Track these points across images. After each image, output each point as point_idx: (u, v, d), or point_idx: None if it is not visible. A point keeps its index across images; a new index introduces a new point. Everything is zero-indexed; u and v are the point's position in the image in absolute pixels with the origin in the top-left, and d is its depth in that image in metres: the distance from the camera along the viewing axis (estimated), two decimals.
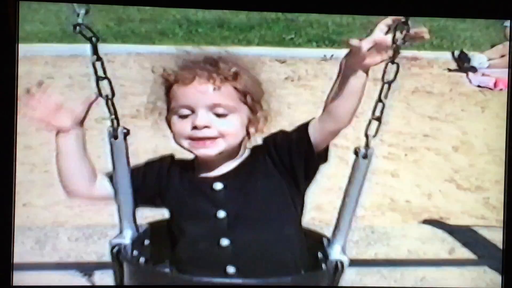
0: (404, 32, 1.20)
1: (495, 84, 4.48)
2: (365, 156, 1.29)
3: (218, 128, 1.28)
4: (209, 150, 1.30)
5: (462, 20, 5.41)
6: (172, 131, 1.33)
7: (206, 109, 1.28)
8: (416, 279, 2.30)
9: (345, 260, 1.33)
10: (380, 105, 1.27)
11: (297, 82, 4.51)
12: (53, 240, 2.46)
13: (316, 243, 1.38)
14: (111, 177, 1.38)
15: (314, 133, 1.29)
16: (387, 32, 1.22)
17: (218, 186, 1.32)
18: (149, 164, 1.40)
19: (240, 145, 1.35)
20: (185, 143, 1.31)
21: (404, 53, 1.26)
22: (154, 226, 1.43)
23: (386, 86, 1.27)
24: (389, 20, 1.22)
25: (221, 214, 1.31)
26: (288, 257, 1.34)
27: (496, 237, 2.35)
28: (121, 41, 5.07)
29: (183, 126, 1.30)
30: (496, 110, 3.95)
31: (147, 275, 1.33)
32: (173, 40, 5.02)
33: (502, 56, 4.63)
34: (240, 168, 1.34)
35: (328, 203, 2.28)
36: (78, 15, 1.27)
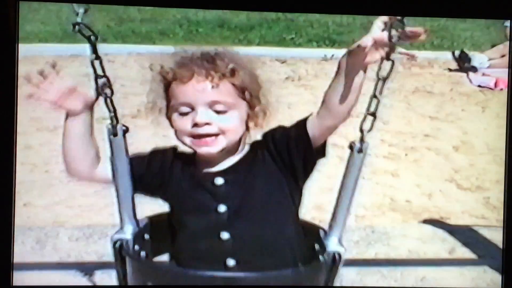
0: (399, 30, 1.21)
1: (496, 84, 4.48)
2: (360, 151, 1.31)
3: (218, 125, 1.30)
4: (211, 148, 1.31)
5: (462, 20, 5.41)
6: (173, 128, 1.34)
7: (205, 106, 1.29)
8: (417, 278, 2.30)
9: (342, 251, 1.34)
10: (375, 101, 1.29)
11: (297, 82, 4.51)
12: (53, 240, 2.46)
13: (312, 235, 1.40)
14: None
15: (312, 129, 1.31)
16: (383, 30, 1.23)
17: (219, 181, 1.34)
18: (154, 153, 1.41)
19: (240, 140, 1.36)
20: (187, 140, 1.32)
21: (402, 50, 1.25)
22: (154, 220, 1.45)
23: (380, 82, 1.28)
24: (385, 17, 1.23)
25: (222, 208, 1.33)
26: (286, 249, 1.36)
27: (496, 237, 2.35)
28: (122, 41, 5.08)
29: (184, 123, 1.31)
30: (497, 110, 3.95)
31: (149, 269, 1.35)
32: (174, 40, 5.02)
33: (503, 56, 4.63)
34: (240, 164, 1.36)
35: (328, 203, 2.25)
36: (77, 14, 1.28)
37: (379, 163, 3.33)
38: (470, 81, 4.66)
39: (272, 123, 1.38)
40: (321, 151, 1.34)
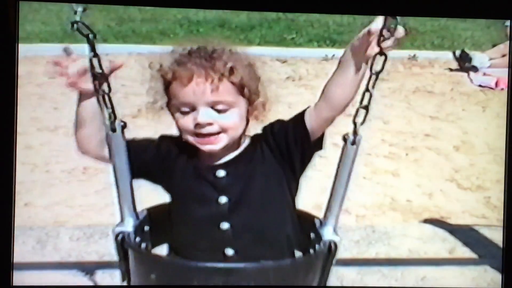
0: (392, 26, 1.24)
1: (496, 84, 4.48)
2: (353, 143, 1.34)
3: (219, 124, 1.32)
4: (213, 146, 1.34)
5: (463, 20, 5.42)
6: (177, 126, 1.36)
7: (206, 106, 1.30)
8: (417, 278, 2.30)
9: (338, 240, 1.37)
10: (367, 94, 1.31)
11: (298, 82, 4.51)
12: (54, 240, 2.46)
13: (308, 224, 1.43)
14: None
15: (309, 120, 1.34)
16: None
17: (221, 173, 1.37)
18: (163, 139, 1.43)
19: (241, 135, 1.39)
20: (191, 138, 1.34)
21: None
22: (152, 212, 1.47)
23: (373, 76, 1.29)
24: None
25: (223, 199, 1.36)
26: (283, 238, 1.40)
27: (497, 236, 2.35)
28: (122, 41, 5.08)
29: (187, 123, 1.32)
30: (497, 109, 3.95)
31: (151, 261, 1.37)
32: (174, 40, 5.02)
33: (503, 55, 4.62)
34: (241, 156, 1.38)
35: None
36: (75, 12, 1.29)
37: (379, 162, 3.34)
38: (471, 80, 4.66)
39: (271, 117, 1.40)
40: (318, 144, 1.37)
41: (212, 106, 1.30)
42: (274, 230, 1.38)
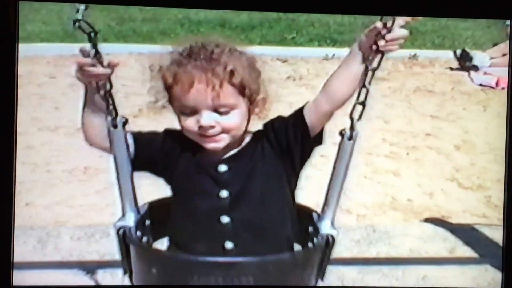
0: (389, 25, 1.28)
1: (497, 83, 4.48)
2: (350, 138, 1.36)
3: (222, 125, 1.33)
4: (217, 144, 1.36)
5: (463, 19, 5.41)
6: (180, 125, 1.37)
7: (208, 110, 1.32)
8: (418, 277, 2.30)
9: (335, 234, 1.39)
10: (364, 90, 1.34)
11: (298, 81, 4.51)
12: (55, 240, 2.46)
13: (306, 217, 1.45)
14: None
15: (309, 115, 1.36)
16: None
17: (223, 168, 1.38)
18: (168, 133, 1.44)
19: (243, 133, 1.41)
20: (194, 138, 1.36)
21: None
22: (153, 206, 1.49)
23: (370, 73, 1.33)
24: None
25: (224, 193, 1.38)
26: (282, 232, 1.42)
27: (497, 235, 2.35)
28: (123, 40, 5.08)
29: (190, 124, 1.34)
30: (498, 109, 3.95)
31: (152, 256, 1.38)
32: (175, 40, 5.01)
33: (504, 55, 4.61)
34: (243, 152, 1.40)
35: None
36: (77, 11, 1.30)
37: (380, 162, 3.34)
38: (472, 80, 4.65)
39: (272, 116, 1.42)
40: (318, 139, 1.39)
41: (214, 109, 1.32)
42: (274, 224, 1.40)
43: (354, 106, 1.35)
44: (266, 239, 1.39)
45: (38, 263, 2.27)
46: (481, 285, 2.27)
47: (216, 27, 5.36)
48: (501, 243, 1.90)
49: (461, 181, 3.18)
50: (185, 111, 1.34)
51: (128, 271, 1.41)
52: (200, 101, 1.31)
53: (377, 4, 1.54)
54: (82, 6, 1.30)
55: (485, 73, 4.68)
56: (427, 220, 2.80)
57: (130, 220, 1.41)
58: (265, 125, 1.42)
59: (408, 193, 3.04)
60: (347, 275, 2.28)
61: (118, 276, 2.14)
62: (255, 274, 1.28)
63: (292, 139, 1.37)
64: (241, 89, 1.33)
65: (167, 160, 1.42)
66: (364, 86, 1.34)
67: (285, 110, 1.42)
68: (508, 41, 4.56)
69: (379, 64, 1.32)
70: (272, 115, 1.43)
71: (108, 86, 1.33)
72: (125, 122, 1.37)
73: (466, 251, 2.51)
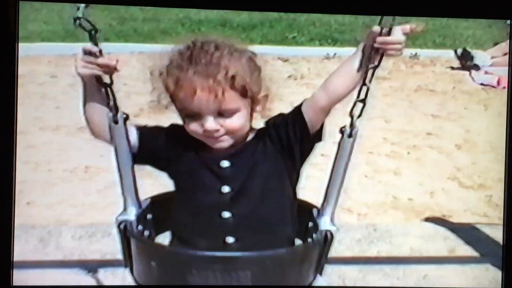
0: (385, 31, 1.30)
1: (498, 82, 4.47)
2: (350, 135, 1.37)
3: (226, 127, 1.35)
4: (222, 144, 1.38)
5: (464, 19, 5.40)
6: (184, 126, 1.38)
7: (213, 114, 1.33)
8: (419, 277, 2.30)
9: (334, 230, 1.41)
10: (364, 88, 1.35)
11: (299, 80, 4.51)
12: (56, 239, 2.47)
13: (307, 213, 1.46)
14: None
15: (306, 110, 1.37)
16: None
17: (225, 164, 1.40)
18: (173, 128, 1.45)
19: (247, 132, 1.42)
20: (200, 138, 1.38)
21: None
22: (155, 200, 1.51)
23: (370, 71, 1.34)
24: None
25: (226, 189, 1.39)
26: (283, 227, 1.44)
27: (498, 235, 2.34)
28: (124, 40, 5.08)
29: (195, 127, 1.35)
30: (499, 108, 3.94)
31: (151, 250, 1.40)
32: (176, 39, 5.01)
33: (505, 54, 4.60)
34: (245, 148, 1.41)
35: None
36: (78, 8, 1.32)
37: (381, 161, 3.34)
38: (473, 79, 4.65)
39: (274, 115, 1.43)
40: (317, 136, 1.40)
41: (218, 113, 1.33)
42: (275, 220, 1.42)
43: (355, 103, 1.36)
44: (267, 234, 1.40)
45: (39, 262, 2.27)
46: (482, 285, 2.27)
47: (217, 26, 5.36)
48: (501, 242, 1.91)
49: (462, 180, 3.18)
50: (189, 115, 1.35)
51: (129, 264, 1.42)
52: (203, 107, 1.32)
53: (378, 4, 1.55)
54: (82, 4, 1.32)
55: (486, 73, 4.67)
56: (428, 219, 2.80)
57: (132, 214, 1.42)
58: (267, 123, 1.43)
59: (409, 192, 3.04)
60: (348, 274, 2.28)
61: (119, 275, 2.14)
62: (252, 269, 1.30)
63: (292, 135, 1.38)
64: (243, 92, 1.34)
65: (170, 154, 1.43)
66: (364, 84, 1.35)
67: (287, 110, 1.43)
68: (508, 40, 4.55)
69: (379, 63, 1.33)
70: (273, 114, 1.43)
71: (108, 81, 1.35)
72: (126, 118, 1.38)
73: (467, 251, 2.51)
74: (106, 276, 2.19)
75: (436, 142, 3.62)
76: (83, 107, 1.40)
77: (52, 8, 5.11)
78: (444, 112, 4.07)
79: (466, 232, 2.63)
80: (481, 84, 4.57)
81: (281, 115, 1.42)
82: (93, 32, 1.32)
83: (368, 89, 1.35)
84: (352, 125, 1.37)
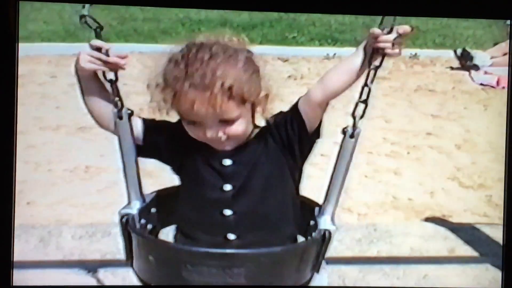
0: (390, 24, 1.30)
1: (498, 82, 4.47)
2: (351, 136, 1.38)
3: (228, 133, 1.35)
4: (225, 146, 1.38)
5: (464, 19, 5.40)
6: (187, 130, 1.38)
7: (213, 124, 1.33)
8: (419, 276, 2.30)
9: (333, 229, 1.41)
10: (366, 89, 1.36)
11: (299, 80, 4.52)
12: (56, 239, 2.47)
13: (309, 211, 1.47)
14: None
15: (303, 106, 1.37)
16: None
17: (227, 162, 1.40)
18: (179, 124, 1.44)
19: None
20: (203, 141, 1.38)
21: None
22: (161, 194, 1.52)
23: (372, 71, 1.35)
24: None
25: (227, 187, 1.40)
26: (284, 225, 1.44)
27: (498, 235, 2.34)
28: (124, 40, 5.08)
29: (197, 133, 1.36)
30: (499, 108, 3.95)
31: (150, 244, 1.41)
32: (176, 39, 5.00)
33: (505, 54, 4.60)
34: (247, 146, 1.41)
35: None
36: (83, 6, 1.33)
37: (381, 161, 3.34)
38: (472, 79, 4.65)
39: (273, 113, 1.42)
40: (315, 133, 1.40)
41: (219, 121, 1.32)
42: (276, 217, 1.42)
43: (357, 104, 1.36)
44: (268, 232, 1.41)
45: (39, 262, 2.27)
46: (481, 284, 2.27)
47: (217, 26, 5.36)
48: (501, 242, 1.91)
49: (462, 180, 3.19)
50: (191, 122, 1.35)
51: (130, 258, 1.43)
52: (203, 118, 1.31)
53: (378, 4, 1.55)
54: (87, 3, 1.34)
55: (485, 73, 4.67)
56: (428, 219, 2.80)
57: (135, 208, 1.44)
58: (268, 121, 1.43)
59: (409, 192, 3.04)
60: (348, 274, 2.28)
61: (119, 275, 2.15)
62: (247, 266, 1.30)
63: (291, 132, 1.39)
64: (242, 100, 1.32)
65: (174, 149, 1.43)
66: (366, 85, 1.35)
67: (286, 109, 1.43)
68: (508, 41, 4.55)
69: (381, 63, 1.34)
70: (272, 113, 1.43)
71: (114, 78, 1.36)
72: (131, 114, 1.40)
73: (467, 250, 2.51)
74: (106, 276, 2.19)
75: (436, 142, 3.63)
76: (83, 101, 1.40)
77: (52, 8, 5.11)
78: (444, 112, 4.08)
79: (466, 232, 2.63)
80: (481, 84, 4.57)
81: (281, 113, 1.42)
82: (98, 30, 1.34)
83: (369, 90, 1.35)
84: (354, 125, 1.37)
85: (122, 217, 1.41)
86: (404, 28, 1.30)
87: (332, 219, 1.42)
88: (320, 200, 1.45)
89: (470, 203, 2.97)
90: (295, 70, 4.71)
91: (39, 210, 2.70)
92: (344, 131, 1.38)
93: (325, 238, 1.39)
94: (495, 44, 4.91)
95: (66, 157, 3.20)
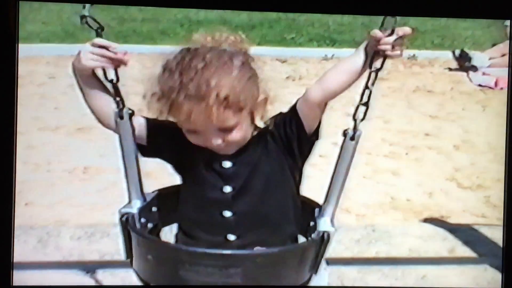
0: (391, 26, 1.29)
1: (496, 83, 4.48)
2: (352, 138, 1.37)
3: (228, 140, 1.34)
4: (226, 150, 1.37)
5: (463, 19, 5.41)
6: (186, 136, 1.37)
7: (212, 132, 1.32)
8: (417, 277, 2.31)
9: (332, 231, 1.40)
10: (367, 91, 1.35)
11: (298, 81, 4.52)
12: (55, 239, 2.47)
13: (310, 211, 1.47)
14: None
15: (301, 106, 1.37)
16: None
17: (227, 164, 1.39)
18: None
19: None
20: (203, 145, 1.37)
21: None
22: (163, 193, 1.52)
23: (373, 74, 1.35)
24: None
25: (227, 189, 1.39)
26: (285, 225, 1.44)
27: (497, 235, 2.35)
28: (123, 41, 5.08)
29: (196, 140, 1.35)
30: (497, 108, 3.96)
31: (149, 244, 1.40)
32: (175, 40, 5.02)
33: (503, 55, 4.62)
34: (247, 148, 1.40)
35: None
36: (84, 7, 1.34)
37: (380, 162, 3.34)
38: (470, 80, 4.66)
39: (271, 114, 1.42)
40: (314, 134, 1.40)
41: (218, 128, 1.31)
42: (276, 217, 1.42)
43: (357, 107, 1.36)
44: (269, 231, 1.41)
45: (38, 263, 2.27)
46: (480, 285, 2.27)
47: (216, 27, 5.36)
48: (500, 243, 1.91)
49: (460, 181, 3.19)
50: (189, 131, 1.34)
51: (129, 256, 1.43)
52: (201, 127, 1.31)
53: (377, 4, 1.55)
54: (88, 3, 1.34)
55: (483, 74, 4.68)
56: (426, 219, 2.80)
57: (135, 207, 1.44)
58: (267, 122, 1.42)
59: (407, 192, 3.04)
60: (347, 274, 2.28)
61: (118, 275, 2.15)
62: (244, 266, 1.30)
63: (290, 133, 1.38)
64: (239, 108, 1.31)
65: (176, 149, 1.42)
66: (367, 87, 1.35)
67: (285, 110, 1.43)
68: (507, 41, 4.56)
69: (382, 66, 1.33)
70: (272, 115, 1.43)
71: (115, 79, 1.36)
72: (132, 114, 1.39)
73: (465, 251, 2.51)
74: (105, 276, 2.19)
75: (434, 142, 3.63)
76: (84, 100, 1.40)
77: (51, 8, 5.12)
78: (442, 113, 4.08)
79: (465, 233, 2.63)
80: (479, 85, 4.58)
81: (280, 114, 1.41)
82: (99, 30, 1.35)
83: (370, 93, 1.35)
84: (355, 128, 1.37)
85: (122, 216, 1.42)
86: (404, 30, 1.30)
87: (332, 221, 1.42)
88: (318, 201, 1.45)
89: (469, 204, 2.97)
90: (294, 71, 4.72)
91: (38, 211, 2.70)
92: (344, 133, 1.38)
93: (324, 240, 1.39)
94: (494, 45, 4.92)
95: (65, 157, 3.20)
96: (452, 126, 3.88)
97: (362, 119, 1.36)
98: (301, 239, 1.48)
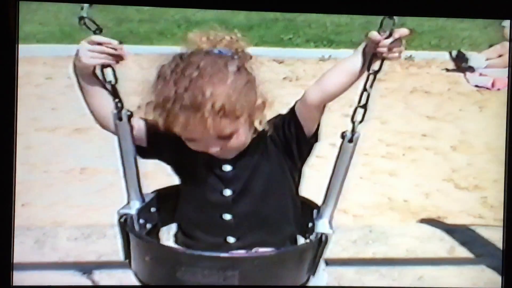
0: (390, 27, 1.29)
1: (493, 84, 4.48)
2: (350, 140, 1.37)
3: (227, 146, 1.34)
4: (225, 155, 1.37)
5: (460, 20, 5.41)
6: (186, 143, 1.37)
7: (210, 140, 1.32)
8: (415, 278, 2.31)
9: (330, 233, 1.40)
10: (365, 94, 1.35)
11: (295, 82, 4.52)
12: (52, 240, 2.47)
13: (309, 212, 1.47)
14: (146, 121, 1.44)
15: (299, 108, 1.37)
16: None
17: (227, 168, 1.39)
18: None
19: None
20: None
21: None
22: (162, 193, 1.52)
23: (371, 76, 1.34)
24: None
25: (227, 192, 1.39)
26: (284, 226, 1.44)
27: (494, 236, 2.36)
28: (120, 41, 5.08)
29: (196, 147, 1.35)
30: (495, 109, 3.96)
31: (146, 245, 1.41)
32: (172, 41, 5.02)
33: (500, 56, 4.63)
34: (247, 151, 1.40)
35: None
36: (82, 8, 1.33)
37: (377, 162, 3.34)
38: (467, 81, 4.66)
39: (269, 115, 1.41)
40: (313, 136, 1.40)
41: (216, 137, 1.31)
42: (276, 218, 1.42)
43: (356, 109, 1.35)
44: (269, 232, 1.41)
45: (35, 264, 2.27)
46: (477, 286, 2.27)
47: (212, 27, 5.36)
48: (497, 243, 1.91)
49: (457, 182, 3.19)
50: (187, 139, 1.34)
51: (128, 257, 1.44)
52: (198, 136, 1.31)
53: (374, 5, 1.55)
54: (86, 4, 1.34)
55: (480, 74, 4.69)
56: (423, 220, 2.81)
57: (133, 208, 1.43)
58: (266, 124, 1.41)
59: (405, 193, 3.05)
60: (344, 275, 2.28)
61: (115, 276, 2.15)
62: (240, 269, 1.30)
63: (288, 134, 1.38)
64: (236, 115, 1.30)
65: (176, 150, 1.41)
66: (365, 89, 1.34)
67: (282, 111, 1.43)
68: (504, 42, 4.56)
69: (380, 68, 1.33)
70: (269, 116, 1.42)
71: (113, 80, 1.36)
72: (130, 115, 1.38)
73: (462, 252, 2.51)
74: (102, 277, 2.19)
75: (432, 143, 3.63)
76: (84, 100, 1.39)
77: (48, 9, 5.11)
78: (439, 114, 4.08)
79: (462, 233, 2.64)
80: (476, 86, 4.58)
81: (279, 115, 1.41)
82: (97, 31, 1.34)
83: (369, 95, 1.35)
84: (353, 130, 1.37)
85: (120, 217, 1.42)
86: (401, 32, 1.29)
87: (330, 223, 1.41)
88: (316, 202, 1.45)
89: (466, 205, 2.97)
90: (291, 71, 4.72)
91: (35, 212, 2.70)
92: (343, 136, 1.37)
93: (322, 242, 1.39)
94: (491, 46, 4.92)
95: (62, 158, 3.20)
96: (449, 127, 3.88)
97: (361, 121, 1.36)
98: (300, 239, 1.48)
